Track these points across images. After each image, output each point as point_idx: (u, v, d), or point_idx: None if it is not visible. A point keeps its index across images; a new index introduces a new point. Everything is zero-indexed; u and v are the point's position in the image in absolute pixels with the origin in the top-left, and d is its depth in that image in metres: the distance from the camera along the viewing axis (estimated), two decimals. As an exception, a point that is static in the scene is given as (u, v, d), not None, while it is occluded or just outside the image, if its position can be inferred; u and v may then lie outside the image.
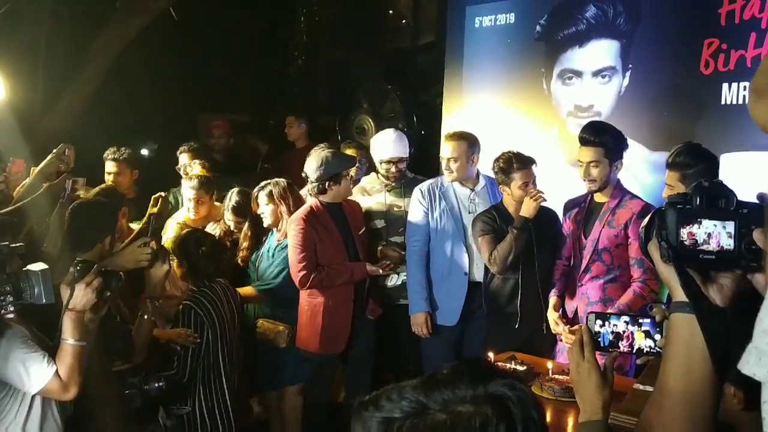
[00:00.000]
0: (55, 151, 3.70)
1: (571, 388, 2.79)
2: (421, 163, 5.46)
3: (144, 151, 7.18)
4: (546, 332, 3.76)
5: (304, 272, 3.80)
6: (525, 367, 3.27)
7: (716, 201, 1.15)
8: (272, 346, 3.99)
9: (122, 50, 6.01)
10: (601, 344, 1.66)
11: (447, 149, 4.04)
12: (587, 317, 1.68)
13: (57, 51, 6.23)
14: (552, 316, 3.60)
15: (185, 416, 3.19)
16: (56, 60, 6.22)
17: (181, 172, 4.80)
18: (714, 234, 1.14)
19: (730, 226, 1.14)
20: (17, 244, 2.19)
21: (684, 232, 1.15)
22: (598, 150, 3.42)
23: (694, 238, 1.14)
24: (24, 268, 2.15)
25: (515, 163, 3.72)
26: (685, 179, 3.17)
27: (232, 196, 4.29)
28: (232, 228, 4.31)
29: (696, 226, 1.14)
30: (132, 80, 6.45)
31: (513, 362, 3.34)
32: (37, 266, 2.18)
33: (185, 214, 4.42)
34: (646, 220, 1.23)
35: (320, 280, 3.83)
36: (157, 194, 3.97)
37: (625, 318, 1.66)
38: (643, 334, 1.65)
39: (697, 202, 1.15)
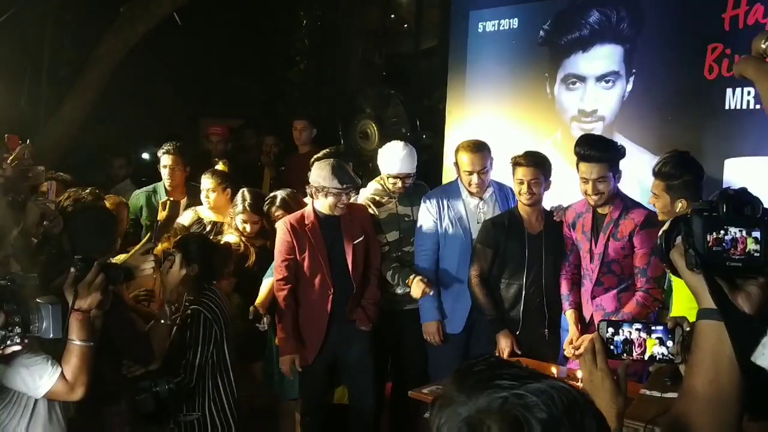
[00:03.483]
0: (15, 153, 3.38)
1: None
2: (424, 168, 5.46)
3: (145, 155, 7.18)
4: (549, 338, 3.77)
5: (279, 278, 3.84)
6: (531, 373, 3.28)
7: (742, 208, 1.15)
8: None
9: (125, 56, 6.00)
10: (614, 352, 1.66)
11: (474, 162, 3.91)
12: (599, 325, 1.69)
13: (60, 56, 6.23)
14: (573, 332, 3.58)
15: (195, 421, 3.19)
16: (60, 65, 6.23)
17: (164, 175, 4.75)
18: (740, 241, 1.14)
19: (756, 233, 1.14)
20: (31, 275, 2.18)
21: (710, 240, 1.15)
22: (603, 166, 3.41)
23: (721, 246, 1.14)
24: (36, 299, 2.14)
25: (514, 160, 3.77)
26: (670, 189, 3.19)
27: (245, 195, 4.14)
28: (248, 229, 4.12)
29: (722, 233, 1.14)
30: (135, 85, 6.46)
31: (519, 367, 3.35)
32: (49, 299, 2.16)
33: (204, 206, 4.47)
34: (666, 226, 1.23)
35: (285, 299, 3.83)
36: (165, 199, 3.96)
37: (637, 325, 1.66)
38: (655, 341, 1.66)
39: (723, 210, 1.15)
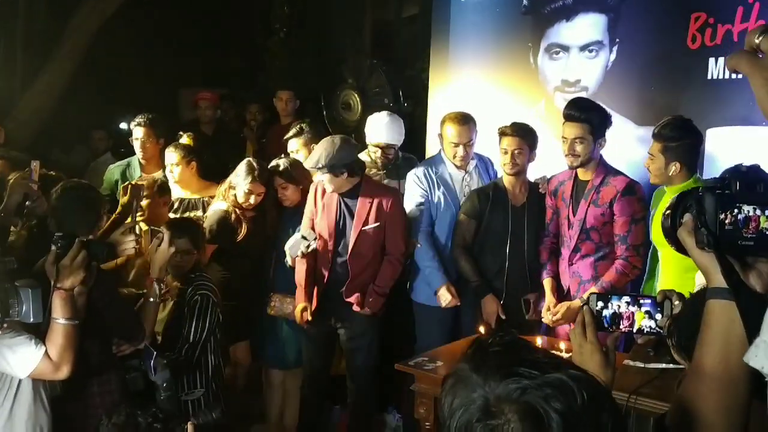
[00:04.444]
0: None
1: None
2: (408, 138, 5.42)
3: (123, 125, 7.07)
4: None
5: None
6: (516, 342, 3.31)
7: (754, 186, 1.14)
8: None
9: (101, 25, 5.87)
10: (603, 325, 1.68)
11: (461, 134, 3.88)
12: (588, 298, 1.71)
13: (35, 27, 6.10)
14: (549, 299, 3.63)
15: (197, 399, 3.24)
16: (34, 36, 6.09)
17: (136, 148, 4.66)
18: (753, 219, 1.13)
19: None
20: (8, 258, 2.15)
21: (723, 218, 1.14)
22: (583, 126, 3.43)
23: (734, 224, 1.13)
24: (15, 283, 2.11)
25: (500, 130, 3.77)
26: (666, 151, 3.25)
27: (254, 165, 3.99)
28: (252, 201, 3.98)
29: (735, 211, 1.13)
30: (112, 55, 6.35)
31: (503, 337, 3.38)
32: (28, 282, 2.13)
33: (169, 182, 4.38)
34: (672, 202, 1.22)
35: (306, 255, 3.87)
36: (126, 183, 3.86)
37: (626, 298, 1.69)
38: (643, 314, 1.68)
39: (736, 187, 1.14)
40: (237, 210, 3.99)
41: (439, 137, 4.06)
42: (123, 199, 3.62)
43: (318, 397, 4.13)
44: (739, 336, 1.13)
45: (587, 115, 3.44)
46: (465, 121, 3.91)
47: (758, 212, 1.13)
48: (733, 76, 3.78)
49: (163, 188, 4.01)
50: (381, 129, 4.14)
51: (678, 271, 3.09)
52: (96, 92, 6.22)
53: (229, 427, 3.34)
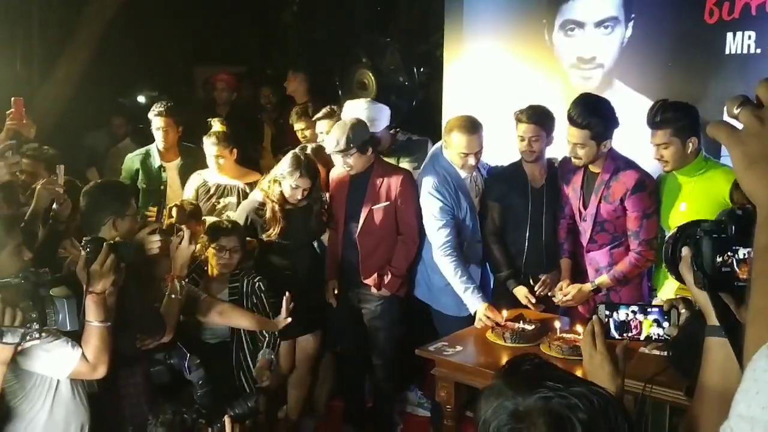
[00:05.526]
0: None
1: (578, 346, 2.89)
2: (422, 114, 5.41)
3: (141, 99, 7.11)
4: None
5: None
6: (533, 326, 3.36)
7: (750, 228, 1.17)
8: None
9: (116, 12, 5.89)
10: (611, 333, 1.73)
11: (472, 144, 3.68)
12: (597, 308, 1.75)
13: (50, 16, 6.13)
14: (564, 281, 3.65)
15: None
16: (50, 25, 6.13)
17: (158, 137, 4.67)
18: (748, 262, 1.16)
19: None
20: (42, 270, 2.22)
21: (719, 261, 1.18)
22: (584, 132, 3.37)
23: (730, 267, 1.18)
24: (50, 293, 2.18)
25: (515, 116, 3.71)
26: (679, 132, 3.23)
27: (300, 158, 3.82)
28: (298, 197, 3.83)
29: (731, 254, 1.18)
30: (128, 35, 6.37)
31: (521, 321, 3.43)
32: (62, 291, 2.20)
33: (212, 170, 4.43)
34: (673, 233, 1.27)
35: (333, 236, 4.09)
36: (172, 204, 3.86)
37: (633, 308, 1.74)
38: (651, 323, 1.72)
39: (732, 231, 1.19)
40: (277, 206, 3.84)
41: (444, 141, 3.82)
42: (167, 222, 3.64)
43: (355, 373, 4.27)
44: (735, 371, 1.17)
45: (588, 122, 3.35)
46: (474, 129, 3.71)
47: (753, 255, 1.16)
48: (752, 51, 3.76)
49: (194, 214, 3.92)
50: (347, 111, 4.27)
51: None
52: (111, 73, 6.25)
53: (262, 413, 3.48)
